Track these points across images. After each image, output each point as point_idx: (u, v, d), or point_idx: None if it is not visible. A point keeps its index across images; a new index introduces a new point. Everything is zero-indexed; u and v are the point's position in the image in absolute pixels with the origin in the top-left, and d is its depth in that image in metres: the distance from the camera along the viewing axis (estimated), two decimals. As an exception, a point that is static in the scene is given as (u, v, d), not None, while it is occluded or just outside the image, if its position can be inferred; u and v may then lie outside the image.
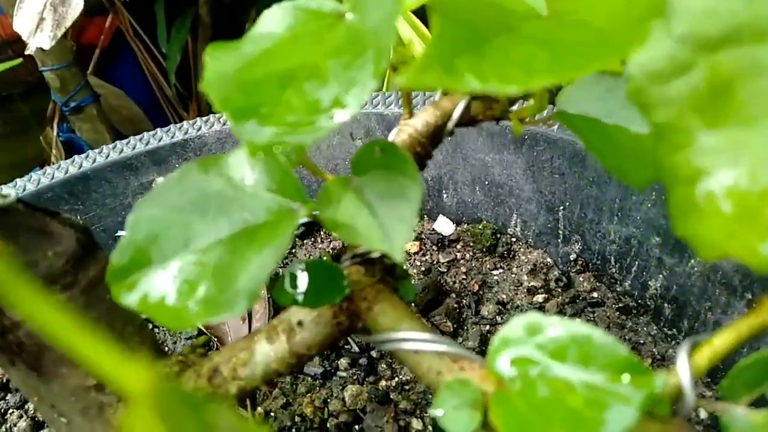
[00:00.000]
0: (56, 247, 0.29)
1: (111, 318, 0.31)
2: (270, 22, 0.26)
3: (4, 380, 0.65)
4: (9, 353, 0.28)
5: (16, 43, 1.57)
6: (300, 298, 0.28)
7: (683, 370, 0.21)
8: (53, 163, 0.79)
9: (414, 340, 0.26)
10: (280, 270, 0.73)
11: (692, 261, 0.52)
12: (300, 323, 0.31)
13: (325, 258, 0.30)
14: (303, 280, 0.27)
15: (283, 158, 0.24)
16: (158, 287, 0.22)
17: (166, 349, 0.70)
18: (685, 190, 0.17)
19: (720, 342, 0.22)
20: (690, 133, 0.17)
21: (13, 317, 0.27)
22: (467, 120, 0.29)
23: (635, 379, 0.20)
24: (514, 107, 0.30)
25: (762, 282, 0.48)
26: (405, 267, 0.68)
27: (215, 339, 0.66)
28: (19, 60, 0.37)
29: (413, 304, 0.65)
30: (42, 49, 0.93)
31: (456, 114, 0.29)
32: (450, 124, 0.30)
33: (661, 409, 0.21)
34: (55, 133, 1.55)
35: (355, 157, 0.24)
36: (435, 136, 0.29)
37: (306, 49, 0.24)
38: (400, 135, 0.29)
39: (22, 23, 0.84)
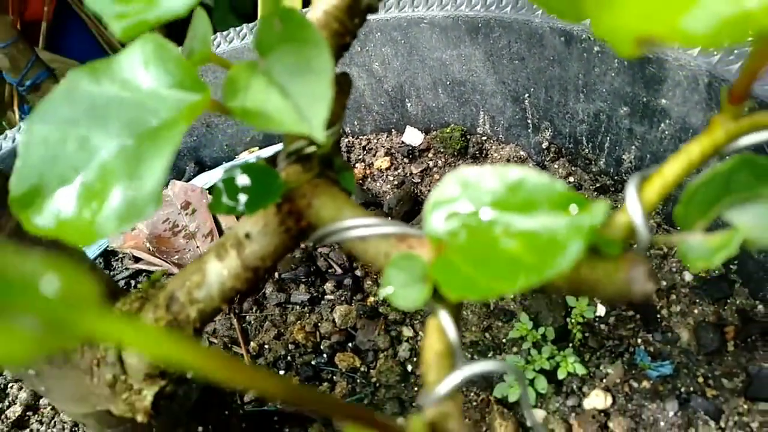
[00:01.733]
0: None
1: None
2: None
3: None
4: None
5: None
6: (241, 207, 0.26)
7: (632, 204, 0.20)
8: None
9: (357, 227, 0.24)
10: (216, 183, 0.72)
11: (662, 125, 0.50)
12: (248, 235, 0.29)
13: (260, 162, 0.28)
14: (242, 185, 0.26)
15: (179, 51, 0.22)
16: (66, 208, 0.21)
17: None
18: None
19: (670, 171, 0.21)
20: None
21: None
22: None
23: (581, 211, 0.18)
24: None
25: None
26: (348, 163, 0.67)
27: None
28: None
29: (390, 217, 0.64)
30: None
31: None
32: (369, -5, 0.27)
33: (613, 249, 0.20)
34: (17, 116, 1.50)
35: (255, 36, 0.22)
36: (353, 7, 0.26)
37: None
38: (314, 12, 0.26)
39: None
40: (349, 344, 0.56)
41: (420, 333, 0.55)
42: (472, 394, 0.48)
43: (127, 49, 0.22)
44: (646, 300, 0.51)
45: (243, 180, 0.26)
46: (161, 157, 0.20)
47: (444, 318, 0.21)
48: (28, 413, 0.59)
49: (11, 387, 0.63)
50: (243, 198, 0.26)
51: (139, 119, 0.21)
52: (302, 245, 0.52)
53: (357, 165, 0.71)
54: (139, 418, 0.32)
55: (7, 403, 0.61)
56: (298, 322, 0.59)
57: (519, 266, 0.17)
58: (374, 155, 0.72)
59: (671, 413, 0.43)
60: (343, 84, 0.28)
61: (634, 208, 0.20)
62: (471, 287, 0.18)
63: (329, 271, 0.63)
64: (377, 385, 0.52)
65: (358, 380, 0.52)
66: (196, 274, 0.30)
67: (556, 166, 0.63)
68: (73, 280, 0.10)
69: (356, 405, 0.23)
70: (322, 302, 0.60)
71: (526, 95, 0.61)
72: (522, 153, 0.66)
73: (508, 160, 0.66)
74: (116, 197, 0.20)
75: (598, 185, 0.60)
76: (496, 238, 0.18)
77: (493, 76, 0.62)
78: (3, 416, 0.59)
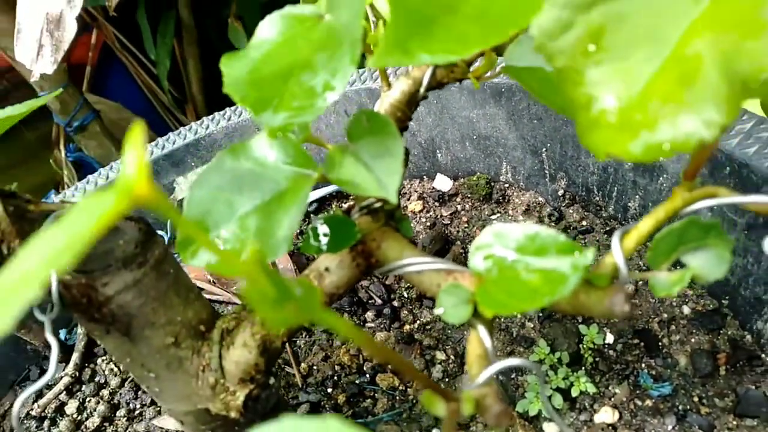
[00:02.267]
0: (124, 236, 0.37)
1: (177, 286, 0.38)
2: (265, 30, 0.33)
3: (77, 374, 0.74)
4: (104, 324, 0.36)
5: (10, 72, 1.63)
6: (323, 247, 0.35)
7: (616, 249, 0.28)
8: (67, 185, 0.84)
9: (416, 264, 0.33)
10: (304, 228, 0.81)
11: (660, 179, 0.59)
12: (327, 269, 0.38)
13: (338, 213, 0.37)
14: (323, 231, 0.35)
15: (294, 137, 0.31)
16: (214, 250, 0.30)
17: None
18: (585, 113, 0.24)
19: (644, 226, 0.29)
20: (581, 72, 0.24)
21: (105, 293, 0.34)
22: (435, 84, 0.36)
23: (579, 255, 0.27)
24: (472, 68, 0.37)
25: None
26: (406, 215, 0.76)
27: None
28: (60, 91, 0.44)
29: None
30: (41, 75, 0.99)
31: (425, 81, 0.36)
32: (422, 90, 0.36)
33: (602, 282, 0.28)
34: (63, 154, 1.62)
35: (347, 127, 0.31)
36: (411, 101, 0.36)
37: (297, 47, 0.31)
38: (383, 105, 0.35)
39: (22, 52, 0.89)
40: (389, 366, 0.64)
41: (451, 357, 0.62)
42: (497, 409, 0.56)
43: (258, 136, 0.31)
44: (644, 329, 0.58)
45: (324, 229, 0.35)
46: (287, 214, 0.29)
47: (482, 331, 0.30)
48: (104, 424, 0.68)
49: (89, 401, 0.71)
50: (324, 240, 0.35)
51: (267, 186, 0.30)
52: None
53: (393, 208, 0.80)
54: (233, 414, 0.41)
55: (85, 415, 0.70)
56: (343, 346, 0.67)
57: (536, 292, 0.26)
58: (408, 199, 0.81)
59: (670, 427, 0.50)
60: (405, 157, 0.37)
61: (617, 252, 0.28)
62: (502, 307, 0.26)
63: (370, 302, 0.71)
64: (414, 401, 0.59)
65: (397, 397, 0.60)
66: (285, 298, 0.39)
67: (570, 211, 0.71)
68: (308, 289, 0.18)
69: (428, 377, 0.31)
70: (364, 329, 0.68)
71: (544, 149, 0.70)
72: (540, 199, 0.74)
73: (528, 206, 0.74)
74: (252, 242, 0.29)
75: (607, 229, 0.68)
76: (519, 273, 0.26)
77: (515, 133, 0.71)
78: (83, 426, 0.68)
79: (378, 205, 0.36)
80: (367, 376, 0.63)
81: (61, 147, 1.59)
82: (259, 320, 0.39)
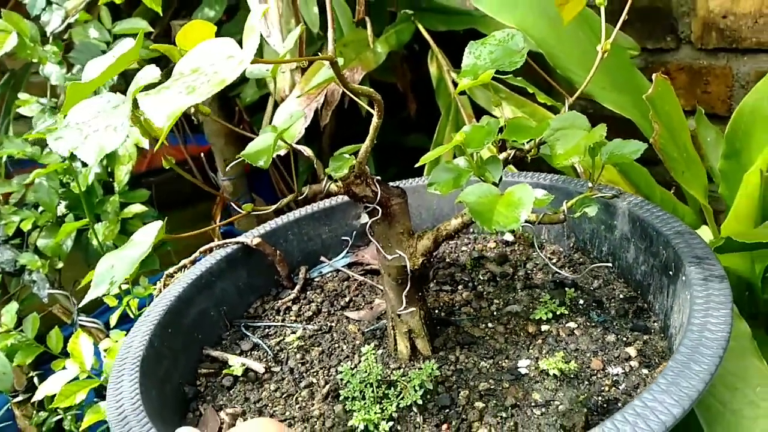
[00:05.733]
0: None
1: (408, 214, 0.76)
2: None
3: (298, 294, 1.11)
4: (387, 216, 0.73)
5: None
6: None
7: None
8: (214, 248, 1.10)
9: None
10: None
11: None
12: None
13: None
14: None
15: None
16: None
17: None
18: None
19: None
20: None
21: (390, 193, 0.72)
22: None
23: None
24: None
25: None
26: None
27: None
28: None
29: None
30: (225, 163, 1.44)
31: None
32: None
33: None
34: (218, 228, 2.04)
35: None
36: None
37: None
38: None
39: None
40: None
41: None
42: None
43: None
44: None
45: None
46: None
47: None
48: (313, 316, 1.04)
49: (305, 307, 1.07)
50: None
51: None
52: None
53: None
54: (414, 267, 0.75)
55: (302, 312, 1.07)
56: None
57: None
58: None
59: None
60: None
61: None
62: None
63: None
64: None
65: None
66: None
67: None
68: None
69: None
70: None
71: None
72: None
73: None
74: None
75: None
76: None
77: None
78: (302, 315, 1.03)
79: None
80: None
81: (217, 220, 2.00)
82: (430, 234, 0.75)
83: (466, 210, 0.69)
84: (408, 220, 0.75)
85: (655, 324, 0.76)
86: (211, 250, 0.98)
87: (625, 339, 0.73)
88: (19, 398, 1.65)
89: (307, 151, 0.75)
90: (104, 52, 1.58)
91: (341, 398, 0.72)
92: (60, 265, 1.55)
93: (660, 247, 0.74)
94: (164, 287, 1.02)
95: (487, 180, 0.62)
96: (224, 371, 0.82)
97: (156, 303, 0.84)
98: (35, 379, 1.63)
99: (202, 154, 1.91)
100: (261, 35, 0.46)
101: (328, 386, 0.76)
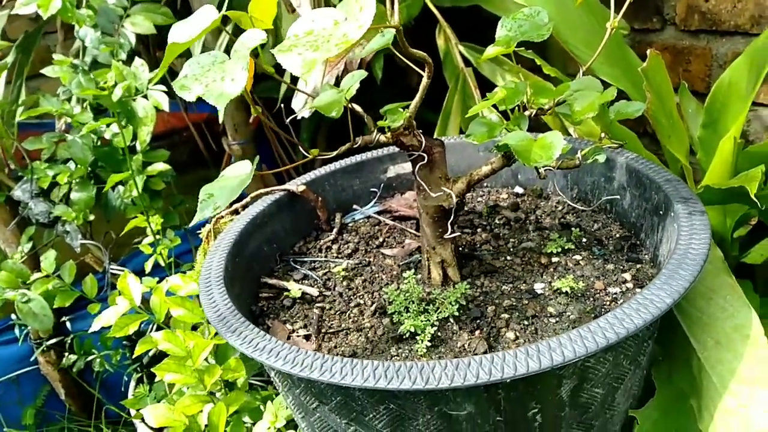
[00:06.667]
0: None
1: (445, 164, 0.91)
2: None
3: (337, 235, 1.25)
4: (429, 163, 0.88)
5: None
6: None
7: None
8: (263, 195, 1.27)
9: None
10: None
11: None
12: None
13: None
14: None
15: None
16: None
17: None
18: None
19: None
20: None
21: (434, 151, 0.87)
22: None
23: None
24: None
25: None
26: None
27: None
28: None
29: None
30: (234, 128, 1.54)
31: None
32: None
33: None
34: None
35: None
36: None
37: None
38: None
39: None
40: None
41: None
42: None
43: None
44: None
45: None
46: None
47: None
48: (352, 253, 1.19)
49: (344, 246, 1.23)
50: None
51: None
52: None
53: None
54: (449, 205, 0.90)
55: (342, 250, 1.21)
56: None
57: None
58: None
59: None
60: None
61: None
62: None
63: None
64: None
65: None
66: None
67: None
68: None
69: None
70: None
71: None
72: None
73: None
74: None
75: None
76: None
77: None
78: (342, 252, 1.19)
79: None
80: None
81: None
82: (464, 178, 0.90)
83: (495, 159, 0.84)
84: (446, 167, 0.89)
85: (646, 256, 0.92)
86: (260, 196, 1.12)
87: (621, 267, 0.90)
88: (51, 342, 1.77)
89: (358, 109, 0.89)
90: (121, 18, 1.68)
91: (388, 313, 0.87)
92: (91, 217, 1.66)
93: (652, 192, 0.90)
94: (213, 228, 1.15)
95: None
96: (284, 294, 0.96)
97: (222, 237, 0.98)
98: (68, 324, 1.76)
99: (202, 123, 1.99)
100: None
101: (374, 305, 0.91)
